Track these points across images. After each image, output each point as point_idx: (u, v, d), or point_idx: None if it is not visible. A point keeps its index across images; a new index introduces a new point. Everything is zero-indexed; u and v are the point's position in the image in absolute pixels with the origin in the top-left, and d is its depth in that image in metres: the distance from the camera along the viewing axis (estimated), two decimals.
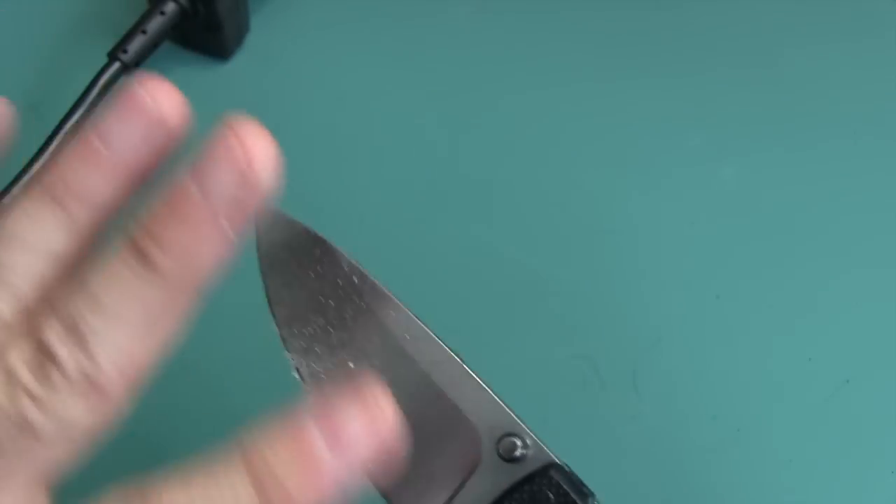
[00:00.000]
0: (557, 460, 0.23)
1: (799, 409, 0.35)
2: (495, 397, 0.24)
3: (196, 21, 0.42)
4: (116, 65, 0.40)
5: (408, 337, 0.25)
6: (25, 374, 0.20)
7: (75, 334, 0.20)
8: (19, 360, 0.20)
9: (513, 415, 0.24)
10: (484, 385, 0.24)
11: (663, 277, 0.38)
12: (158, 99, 0.22)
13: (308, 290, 0.26)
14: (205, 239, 0.20)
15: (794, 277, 0.38)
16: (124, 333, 0.20)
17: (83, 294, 0.20)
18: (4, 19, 0.45)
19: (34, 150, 0.39)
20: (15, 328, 0.21)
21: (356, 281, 0.25)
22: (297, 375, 0.25)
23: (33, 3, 0.45)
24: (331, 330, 0.24)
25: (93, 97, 0.40)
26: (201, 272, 0.21)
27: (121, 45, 0.41)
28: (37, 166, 0.39)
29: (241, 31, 0.44)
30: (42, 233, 0.21)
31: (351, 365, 0.25)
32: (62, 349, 0.20)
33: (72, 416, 0.20)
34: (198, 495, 0.20)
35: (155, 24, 0.41)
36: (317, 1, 0.45)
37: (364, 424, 0.20)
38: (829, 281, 0.38)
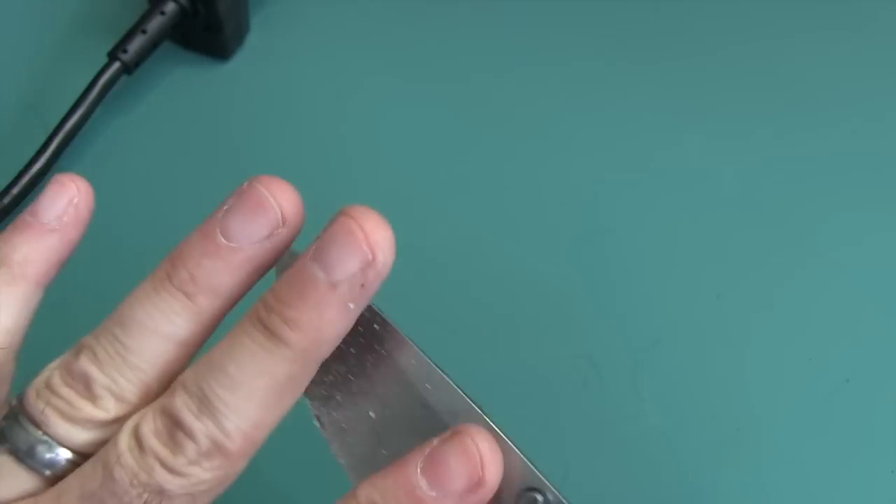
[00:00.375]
0: None
1: (799, 409, 0.36)
2: (517, 450, 0.23)
3: (196, 21, 0.42)
4: (116, 65, 0.41)
5: (428, 387, 0.24)
6: (157, 444, 0.21)
7: (205, 405, 0.21)
8: (149, 430, 0.21)
9: (535, 469, 0.23)
10: (505, 438, 0.24)
11: (663, 277, 0.38)
12: (279, 199, 0.23)
13: None
14: (330, 318, 0.22)
15: (795, 277, 0.38)
16: (253, 405, 0.21)
17: (212, 369, 0.22)
18: (4, 19, 0.45)
19: (34, 150, 0.39)
20: (139, 408, 0.22)
21: (377, 328, 0.24)
22: (317, 423, 0.24)
23: (33, 3, 0.45)
24: (351, 378, 0.23)
25: (93, 97, 0.40)
26: (327, 347, 0.22)
27: (121, 45, 0.41)
28: (32, 173, 0.39)
29: (241, 31, 0.44)
30: (169, 322, 0.23)
31: (371, 415, 0.24)
32: (195, 422, 0.21)
33: (202, 480, 0.21)
34: None
35: (155, 24, 0.41)
36: (317, 1, 0.45)
37: (465, 467, 0.22)
38: (829, 281, 0.38)
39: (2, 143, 0.42)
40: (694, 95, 0.43)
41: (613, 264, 0.38)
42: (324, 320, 0.22)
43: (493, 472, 0.22)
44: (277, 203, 0.23)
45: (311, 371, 0.22)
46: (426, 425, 0.24)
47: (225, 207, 0.23)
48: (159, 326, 0.22)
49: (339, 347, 0.23)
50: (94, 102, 0.40)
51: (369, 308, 0.24)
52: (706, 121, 0.42)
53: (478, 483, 0.22)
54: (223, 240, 0.23)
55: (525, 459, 0.23)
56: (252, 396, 0.21)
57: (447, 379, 0.24)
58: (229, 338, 0.22)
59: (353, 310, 0.22)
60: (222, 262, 0.23)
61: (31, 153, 0.39)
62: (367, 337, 0.24)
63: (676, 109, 0.43)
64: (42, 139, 0.39)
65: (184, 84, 0.43)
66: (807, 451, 0.35)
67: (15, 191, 0.38)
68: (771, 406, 0.35)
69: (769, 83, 0.44)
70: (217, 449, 0.21)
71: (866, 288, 0.38)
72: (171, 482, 0.21)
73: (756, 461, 0.34)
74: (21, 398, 0.23)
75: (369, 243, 0.22)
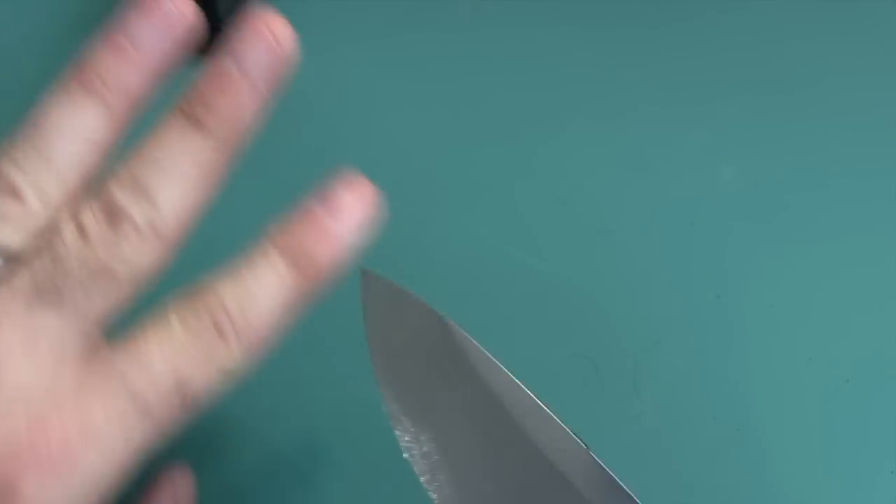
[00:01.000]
0: None
1: (799, 409, 0.35)
2: (622, 485, 0.24)
3: None
4: None
5: (525, 418, 0.24)
6: (103, 234, 0.23)
7: (142, 192, 0.24)
8: (93, 223, 0.23)
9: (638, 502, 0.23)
10: (608, 471, 0.24)
11: (663, 277, 0.38)
12: (176, 2, 0.25)
13: (419, 367, 0.26)
14: (245, 102, 0.25)
15: (794, 277, 0.38)
16: (182, 187, 0.24)
17: (142, 160, 0.24)
18: (4, 19, 0.45)
19: None
20: (62, 207, 0.24)
21: (472, 360, 0.25)
22: (407, 456, 0.24)
23: (33, 3, 0.45)
24: (444, 409, 0.24)
25: None
26: (244, 129, 0.25)
27: None
28: None
29: None
30: (84, 123, 0.24)
31: (466, 447, 0.24)
32: (133, 208, 0.23)
33: (141, 261, 0.23)
34: (249, 281, 0.24)
35: None
36: (317, 1, 0.45)
37: (353, 197, 0.26)
38: (829, 281, 0.38)
39: (2, 143, 0.41)
40: (693, 95, 0.43)
41: (613, 265, 0.38)
42: (239, 104, 0.25)
43: (373, 208, 0.26)
44: (176, 6, 0.25)
45: (232, 154, 0.25)
46: (525, 463, 0.23)
47: (126, 14, 0.25)
48: (76, 129, 0.24)
49: (434, 383, 0.24)
50: None
51: (471, 345, 0.25)
52: (705, 120, 0.42)
53: (366, 214, 0.26)
54: (128, 44, 0.24)
55: (630, 493, 0.24)
56: (181, 180, 0.24)
57: (546, 410, 0.25)
58: (155, 133, 0.24)
59: (265, 95, 0.25)
60: (131, 65, 0.24)
61: None
62: (462, 369, 0.25)
63: (676, 109, 0.43)
64: None
65: (184, 84, 0.43)
66: (807, 452, 0.35)
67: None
68: (771, 406, 0.35)
69: (768, 83, 0.44)
70: (154, 231, 0.23)
71: (866, 288, 0.38)
72: (117, 265, 0.23)
73: (756, 461, 0.34)
74: None
75: (274, 36, 0.25)
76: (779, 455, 0.35)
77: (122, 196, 0.24)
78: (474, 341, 0.25)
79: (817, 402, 0.36)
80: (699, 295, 0.38)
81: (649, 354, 0.37)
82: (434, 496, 0.24)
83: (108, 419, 0.22)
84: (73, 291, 0.23)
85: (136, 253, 0.23)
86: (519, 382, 0.25)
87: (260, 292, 0.24)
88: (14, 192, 0.24)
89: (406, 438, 0.24)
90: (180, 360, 0.23)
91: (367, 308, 0.26)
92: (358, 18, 0.45)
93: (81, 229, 0.23)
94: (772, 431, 0.35)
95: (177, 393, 0.23)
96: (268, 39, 0.25)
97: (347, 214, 0.26)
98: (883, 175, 0.41)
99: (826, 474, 0.34)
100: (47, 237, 0.23)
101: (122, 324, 0.24)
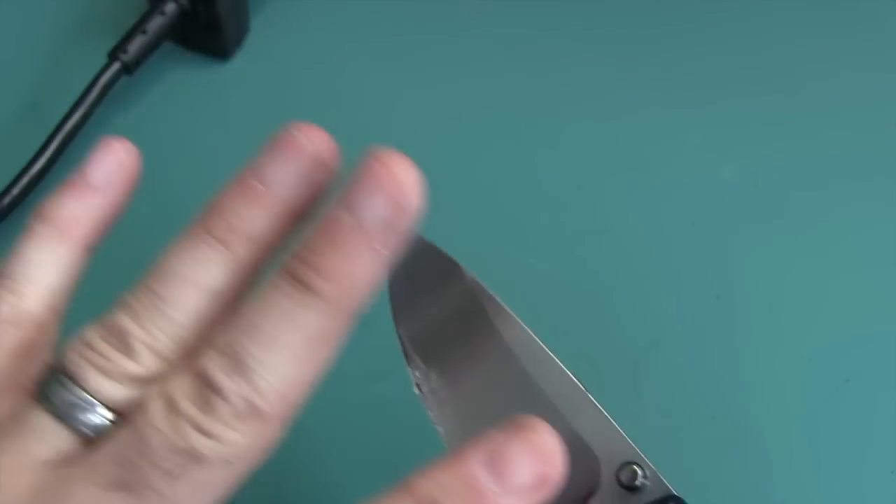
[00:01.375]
0: (675, 492, 0.24)
1: (799, 409, 0.35)
2: (616, 426, 0.25)
3: (196, 21, 0.42)
4: (116, 65, 0.41)
5: (531, 361, 0.25)
6: (190, 407, 0.20)
7: (238, 364, 0.20)
8: (181, 393, 0.20)
9: (633, 444, 0.24)
10: (605, 413, 0.25)
11: (663, 277, 0.38)
12: (314, 142, 0.23)
13: (434, 308, 0.27)
14: (361, 264, 0.21)
15: (794, 277, 0.38)
16: (285, 360, 0.21)
17: (242, 324, 0.21)
18: (4, 19, 0.45)
19: (34, 150, 0.39)
20: (175, 363, 0.21)
21: (483, 304, 0.25)
22: (417, 391, 0.25)
23: (33, 3, 0.45)
24: (454, 349, 0.25)
25: (93, 97, 0.40)
26: (359, 295, 0.21)
27: (121, 45, 0.41)
28: (36, 167, 0.39)
29: (241, 31, 0.44)
30: (204, 270, 0.22)
31: (473, 387, 0.25)
32: (225, 380, 0.20)
33: (237, 444, 0.20)
34: None
35: (155, 24, 0.41)
36: (317, 1, 0.45)
37: (531, 462, 0.21)
38: (829, 281, 0.38)
39: (2, 143, 0.42)
40: (693, 96, 0.43)
41: (613, 264, 0.38)
42: (354, 266, 0.21)
43: (558, 469, 0.21)
44: (313, 147, 0.23)
45: (345, 323, 0.21)
46: (527, 399, 0.25)
47: (261, 155, 0.23)
48: (196, 277, 0.22)
49: (443, 319, 0.24)
50: (94, 102, 0.40)
51: (475, 283, 0.26)
52: (705, 119, 0.42)
53: (542, 480, 0.21)
54: (259, 185, 0.22)
55: (624, 434, 0.25)
56: (283, 351, 0.21)
57: (550, 354, 0.25)
58: (259, 292, 0.21)
59: (384, 254, 0.21)
60: (258, 208, 0.22)
61: (31, 153, 0.39)
62: (472, 310, 0.25)
63: (676, 109, 0.43)
64: (42, 139, 0.39)
65: (184, 84, 0.43)
66: (807, 452, 0.35)
67: (15, 191, 0.38)
68: (771, 406, 0.35)
69: (768, 83, 0.44)
70: (251, 410, 0.20)
71: (867, 287, 0.38)
72: (205, 446, 0.20)
73: (756, 461, 0.34)
74: (61, 356, 0.22)
75: (396, 184, 0.21)
76: (779, 455, 0.35)
77: (216, 368, 0.20)
78: (487, 288, 0.26)
79: (817, 402, 0.36)
80: (699, 295, 0.38)
81: (649, 354, 0.36)
82: (440, 430, 0.25)
83: None
84: (153, 477, 0.20)
85: (230, 434, 0.20)
86: (528, 329, 0.26)
87: None
88: (125, 344, 0.21)
89: (417, 375, 0.25)
90: None
91: None
92: (358, 19, 0.45)
93: (170, 401, 0.20)
94: (772, 431, 0.35)
95: None
96: (387, 188, 0.21)
97: (517, 484, 0.21)
98: (883, 175, 0.41)
99: (826, 474, 0.34)
100: (139, 403, 0.21)
101: None
